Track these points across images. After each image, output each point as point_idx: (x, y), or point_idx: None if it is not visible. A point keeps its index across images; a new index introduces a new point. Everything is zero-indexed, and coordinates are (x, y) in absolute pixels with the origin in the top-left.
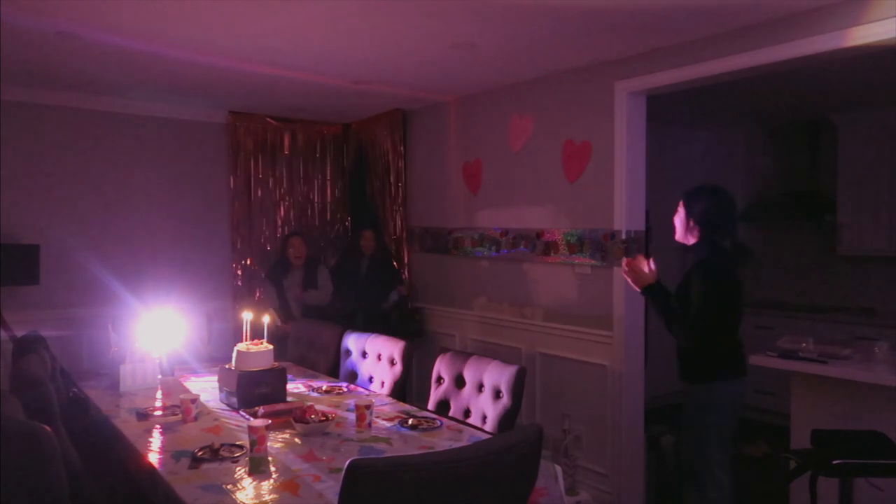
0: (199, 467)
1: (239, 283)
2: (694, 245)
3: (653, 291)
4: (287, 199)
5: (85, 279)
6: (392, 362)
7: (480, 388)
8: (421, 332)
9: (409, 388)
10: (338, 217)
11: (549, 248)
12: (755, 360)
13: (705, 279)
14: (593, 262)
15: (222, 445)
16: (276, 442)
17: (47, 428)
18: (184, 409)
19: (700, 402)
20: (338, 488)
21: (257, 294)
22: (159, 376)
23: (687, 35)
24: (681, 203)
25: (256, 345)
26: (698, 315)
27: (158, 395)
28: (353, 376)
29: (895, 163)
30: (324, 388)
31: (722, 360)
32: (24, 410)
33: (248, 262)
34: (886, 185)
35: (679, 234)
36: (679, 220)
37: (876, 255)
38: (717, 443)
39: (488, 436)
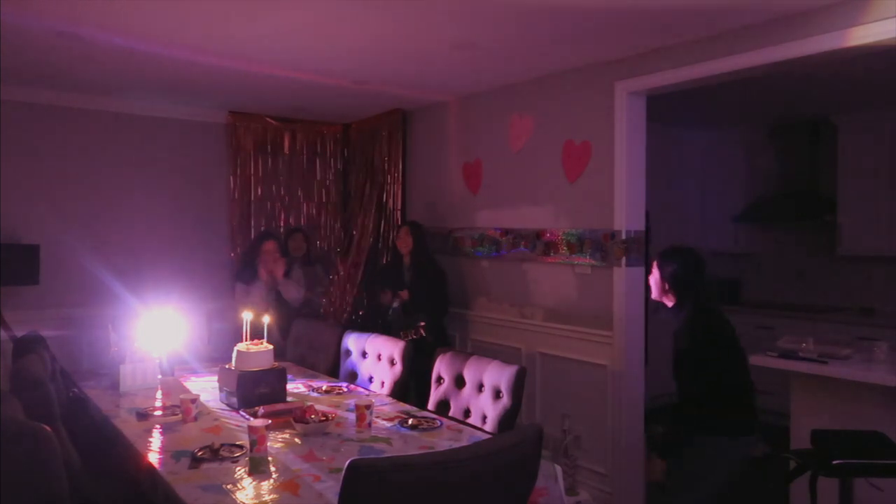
0: (199, 467)
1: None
2: (673, 308)
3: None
4: (287, 199)
5: (85, 279)
6: (392, 362)
7: (480, 388)
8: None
9: (409, 388)
10: (339, 217)
11: (549, 248)
12: (755, 360)
13: (693, 336)
14: (593, 262)
15: (222, 445)
16: (276, 442)
17: (47, 428)
18: (184, 409)
19: (700, 451)
20: (338, 488)
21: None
22: (159, 376)
23: (687, 35)
24: (654, 264)
25: (256, 345)
26: (691, 375)
27: (158, 395)
28: (353, 376)
29: (895, 163)
30: (324, 388)
31: (729, 414)
32: (24, 410)
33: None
34: (886, 185)
35: (655, 294)
36: (654, 280)
37: (876, 255)
38: (707, 495)
39: (488, 436)
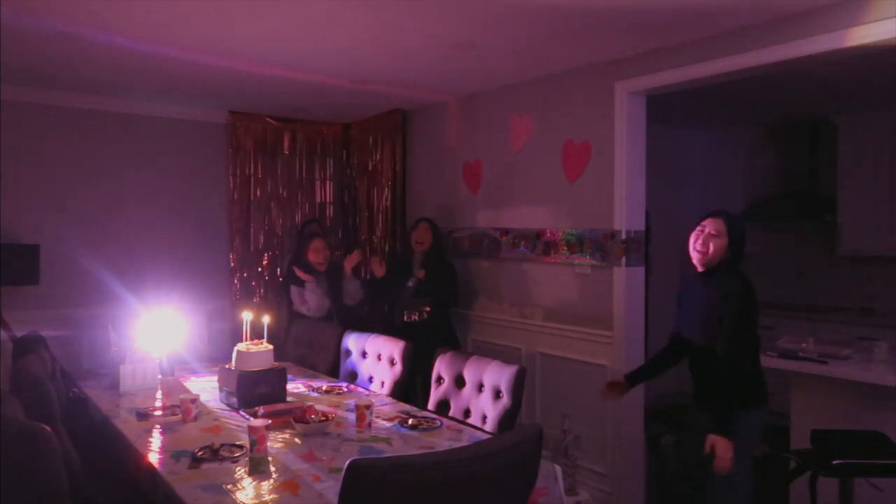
0: (199, 467)
1: (238, 283)
2: (717, 269)
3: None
4: (287, 199)
5: (85, 279)
6: (392, 362)
7: (480, 388)
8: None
9: (410, 388)
10: (338, 218)
11: (549, 248)
12: None
13: (746, 302)
14: (593, 262)
15: (222, 445)
16: (276, 442)
17: (47, 428)
18: (184, 409)
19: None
20: (338, 488)
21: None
22: (159, 376)
23: (687, 35)
24: (721, 226)
25: (256, 345)
26: (738, 337)
27: (158, 395)
28: (353, 376)
29: (895, 163)
30: (324, 388)
31: (754, 386)
32: (24, 410)
33: (248, 262)
34: (886, 185)
35: (711, 258)
36: (719, 242)
37: (876, 255)
38: (746, 474)
39: (488, 436)
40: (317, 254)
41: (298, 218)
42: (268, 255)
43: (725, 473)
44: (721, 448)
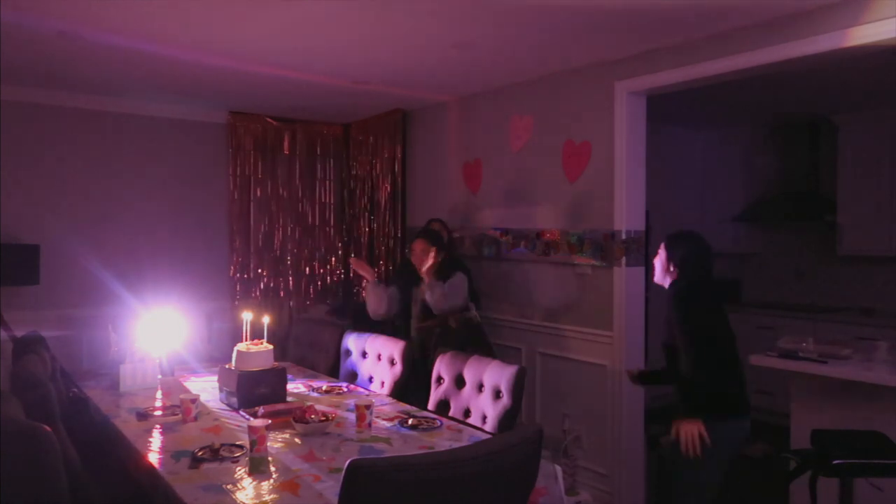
0: (199, 467)
1: (238, 282)
2: (670, 285)
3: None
4: (286, 199)
5: (85, 279)
6: (392, 362)
7: (480, 388)
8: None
9: (409, 388)
10: (339, 218)
11: (549, 248)
12: (755, 359)
13: (682, 308)
14: (593, 262)
15: (222, 445)
16: (276, 442)
17: (47, 428)
18: (184, 409)
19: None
20: (338, 488)
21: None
22: (159, 376)
23: (687, 35)
24: (662, 245)
25: (256, 345)
26: (693, 347)
27: (158, 395)
28: (353, 376)
29: (895, 163)
30: (324, 388)
31: (725, 395)
32: (24, 410)
33: (248, 263)
34: (886, 185)
35: (658, 276)
36: (660, 262)
37: (876, 255)
38: (711, 476)
39: (488, 436)
40: (415, 257)
41: (301, 219)
42: (268, 256)
43: (692, 457)
44: (684, 430)
